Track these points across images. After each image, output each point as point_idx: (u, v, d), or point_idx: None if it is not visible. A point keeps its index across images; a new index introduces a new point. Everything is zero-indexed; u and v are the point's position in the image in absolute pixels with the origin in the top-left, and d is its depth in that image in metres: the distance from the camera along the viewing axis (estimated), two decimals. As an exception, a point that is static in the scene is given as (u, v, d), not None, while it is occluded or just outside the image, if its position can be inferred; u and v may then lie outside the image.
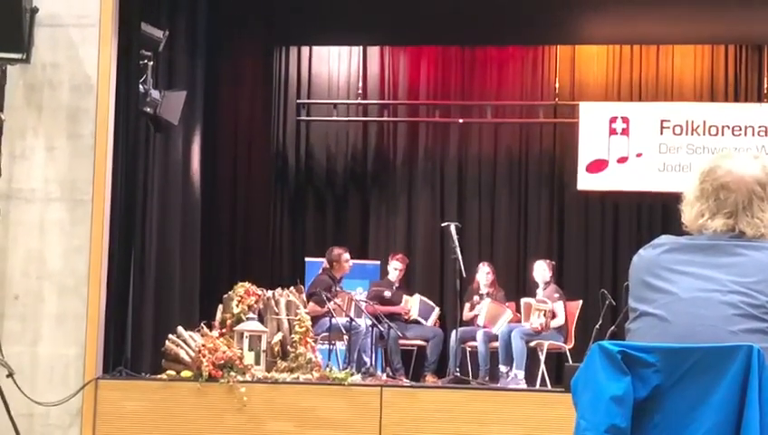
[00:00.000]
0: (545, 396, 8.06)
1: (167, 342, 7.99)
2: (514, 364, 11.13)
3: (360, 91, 13.83)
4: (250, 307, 8.28)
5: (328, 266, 11.46)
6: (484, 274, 11.93)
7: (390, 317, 11.32)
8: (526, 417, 7.38)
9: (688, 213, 3.19)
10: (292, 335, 8.26)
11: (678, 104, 13.04)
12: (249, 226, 12.28)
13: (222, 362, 7.60)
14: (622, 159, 12.81)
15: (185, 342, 7.91)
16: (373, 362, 10.66)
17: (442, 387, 8.95)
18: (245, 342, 7.93)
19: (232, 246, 12.03)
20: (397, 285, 12.12)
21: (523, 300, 11.65)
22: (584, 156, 12.85)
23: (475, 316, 11.81)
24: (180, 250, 10.59)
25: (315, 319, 9.80)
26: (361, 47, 13.85)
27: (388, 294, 11.92)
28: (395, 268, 12.12)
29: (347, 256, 11.51)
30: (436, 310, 12.15)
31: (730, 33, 12.58)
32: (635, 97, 13.43)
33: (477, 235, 13.51)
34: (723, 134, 12.65)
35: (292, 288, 8.87)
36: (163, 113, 9.39)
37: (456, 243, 10.17)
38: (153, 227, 10.02)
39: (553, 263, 12.03)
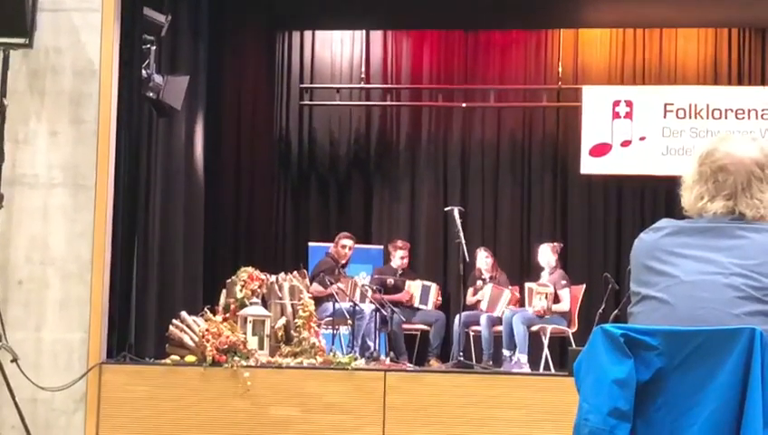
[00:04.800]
0: (549, 380, 8.06)
1: (170, 327, 7.99)
2: (517, 349, 11.15)
3: (362, 76, 13.82)
4: (253, 292, 8.28)
5: (333, 250, 11.50)
6: (483, 259, 11.97)
7: (394, 304, 11.35)
8: (529, 400, 7.38)
9: (687, 197, 3.20)
10: (296, 320, 8.26)
11: (682, 88, 13.04)
12: (252, 210, 12.29)
13: (226, 346, 7.60)
14: (625, 143, 12.81)
15: (188, 326, 7.92)
16: (377, 347, 10.67)
17: (446, 371, 8.96)
18: (249, 326, 7.93)
19: (235, 231, 12.04)
20: (400, 272, 12.14)
21: (527, 285, 11.66)
22: (587, 140, 12.85)
23: (479, 301, 11.84)
24: (183, 235, 10.60)
25: (318, 302, 9.82)
26: (364, 31, 13.84)
27: (391, 281, 11.94)
28: (400, 257, 12.14)
29: (344, 241, 11.51)
30: (434, 286, 12.14)
31: (733, 17, 12.57)
32: (638, 81, 13.43)
33: (481, 219, 13.52)
34: (726, 117, 12.64)
35: (295, 273, 8.87)
36: (166, 98, 9.38)
37: (460, 227, 10.18)
38: (156, 212, 10.02)
39: (561, 245, 12.04)
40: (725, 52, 13.31)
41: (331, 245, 11.70)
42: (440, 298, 12.21)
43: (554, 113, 13.69)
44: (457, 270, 10.31)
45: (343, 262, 11.52)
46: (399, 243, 12.36)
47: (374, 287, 11.37)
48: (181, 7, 10.44)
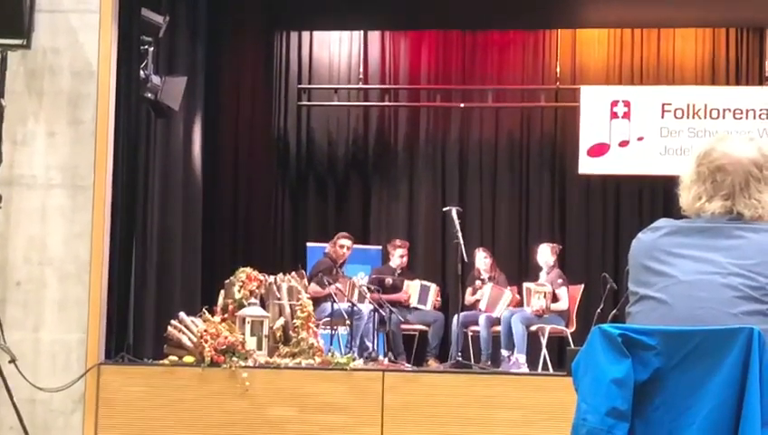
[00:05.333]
0: (547, 380, 8.06)
1: (169, 327, 7.99)
2: (516, 349, 11.15)
3: (360, 76, 13.82)
4: (252, 292, 8.27)
5: (330, 250, 11.51)
6: (482, 259, 11.98)
7: (391, 303, 11.34)
8: (528, 400, 7.38)
9: (686, 197, 3.20)
10: (294, 320, 8.26)
11: (679, 88, 13.03)
12: (250, 211, 12.28)
13: (224, 347, 7.60)
14: (623, 143, 12.81)
15: (187, 327, 7.92)
16: (375, 347, 10.67)
17: (444, 371, 8.96)
18: (247, 327, 7.94)
19: (233, 232, 12.03)
20: (399, 271, 12.14)
21: (525, 285, 11.67)
22: (585, 140, 12.84)
23: (477, 301, 11.85)
24: (182, 236, 10.60)
25: (317, 302, 9.81)
26: (362, 32, 13.84)
27: (389, 281, 11.94)
28: (400, 256, 12.14)
29: (342, 241, 11.51)
30: (433, 286, 12.14)
31: (731, 17, 12.57)
32: (636, 80, 13.43)
33: (479, 219, 13.52)
34: (724, 117, 12.64)
35: (293, 273, 8.87)
36: (164, 99, 9.38)
37: (458, 227, 10.18)
38: (154, 212, 10.02)
39: (560, 247, 12.05)
40: (723, 52, 13.31)
41: (328, 245, 11.69)
42: (439, 299, 12.20)
43: (552, 113, 13.70)
44: (456, 270, 10.31)
45: (341, 262, 11.51)
46: (398, 241, 12.37)
47: (372, 287, 11.36)
48: (179, 8, 10.44)
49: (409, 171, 13.80)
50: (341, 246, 11.49)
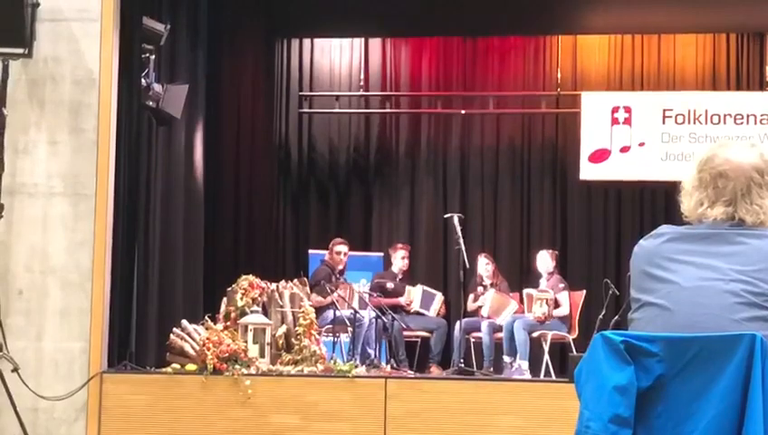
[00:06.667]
0: (549, 386, 8.05)
1: (171, 335, 7.99)
2: (518, 355, 11.14)
3: (362, 83, 13.83)
4: (254, 300, 8.28)
5: (327, 257, 11.49)
6: (484, 265, 11.95)
7: (393, 309, 11.32)
8: (530, 407, 7.38)
9: (687, 203, 3.20)
10: (297, 328, 8.26)
11: (680, 93, 13.04)
12: (252, 218, 12.28)
13: (226, 355, 7.60)
14: (624, 149, 12.81)
15: (189, 335, 7.92)
16: (377, 354, 10.65)
17: (446, 378, 8.96)
18: (250, 334, 7.94)
19: (235, 239, 12.02)
20: (401, 276, 12.11)
21: (526, 290, 11.66)
22: (586, 146, 12.85)
23: (479, 307, 11.82)
24: (184, 243, 10.60)
25: (319, 310, 9.81)
26: (363, 39, 13.84)
27: (390, 285, 11.91)
28: (401, 257, 12.09)
29: (339, 247, 11.48)
30: (439, 295, 12.12)
31: (731, 22, 12.57)
32: (637, 86, 13.43)
33: (480, 225, 13.52)
34: (725, 123, 12.64)
35: (295, 280, 8.87)
36: (165, 107, 9.39)
37: (460, 234, 10.18)
38: (156, 220, 10.02)
39: (556, 253, 12.04)
40: (724, 57, 13.31)
41: (326, 253, 11.67)
42: (443, 309, 12.16)
43: (553, 119, 13.69)
44: (457, 277, 10.30)
45: (340, 268, 11.47)
46: (400, 244, 12.33)
47: (373, 295, 11.33)
48: (180, 16, 10.45)
49: (411, 178, 13.80)
50: (338, 253, 11.45)
